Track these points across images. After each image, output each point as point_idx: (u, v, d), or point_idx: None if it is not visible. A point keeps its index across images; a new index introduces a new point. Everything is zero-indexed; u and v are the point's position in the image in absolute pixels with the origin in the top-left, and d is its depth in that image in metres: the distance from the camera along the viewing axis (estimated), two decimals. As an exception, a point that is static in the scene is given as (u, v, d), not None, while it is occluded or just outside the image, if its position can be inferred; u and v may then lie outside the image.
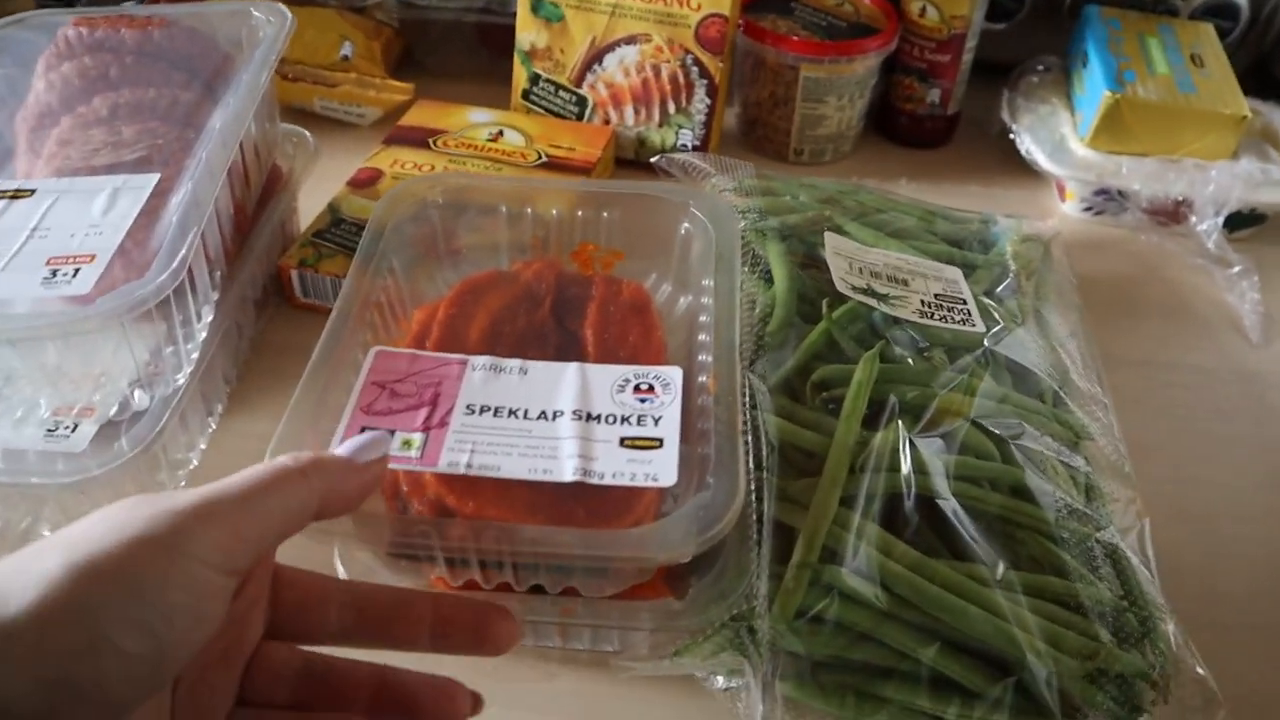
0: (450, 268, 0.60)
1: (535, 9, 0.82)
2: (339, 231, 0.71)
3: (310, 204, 0.75)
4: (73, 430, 0.52)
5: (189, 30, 0.67)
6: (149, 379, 0.53)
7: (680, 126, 0.82)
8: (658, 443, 0.45)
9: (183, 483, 0.59)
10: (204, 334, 0.56)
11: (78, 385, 0.53)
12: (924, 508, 0.51)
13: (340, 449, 0.38)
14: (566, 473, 0.43)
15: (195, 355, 0.55)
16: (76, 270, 0.48)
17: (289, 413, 0.45)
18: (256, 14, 0.69)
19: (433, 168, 0.77)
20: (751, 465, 0.51)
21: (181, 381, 0.54)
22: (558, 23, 0.82)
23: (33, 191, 0.54)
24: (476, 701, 0.39)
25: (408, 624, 0.39)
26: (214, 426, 0.63)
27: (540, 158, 0.78)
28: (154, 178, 0.54)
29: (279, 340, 0.70)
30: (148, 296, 0.46)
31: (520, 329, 0.53)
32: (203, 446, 0.61)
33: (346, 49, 0.87)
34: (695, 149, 0.83)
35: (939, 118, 0.88)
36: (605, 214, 0.59)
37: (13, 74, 0.66)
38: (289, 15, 0.68)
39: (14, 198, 0.53)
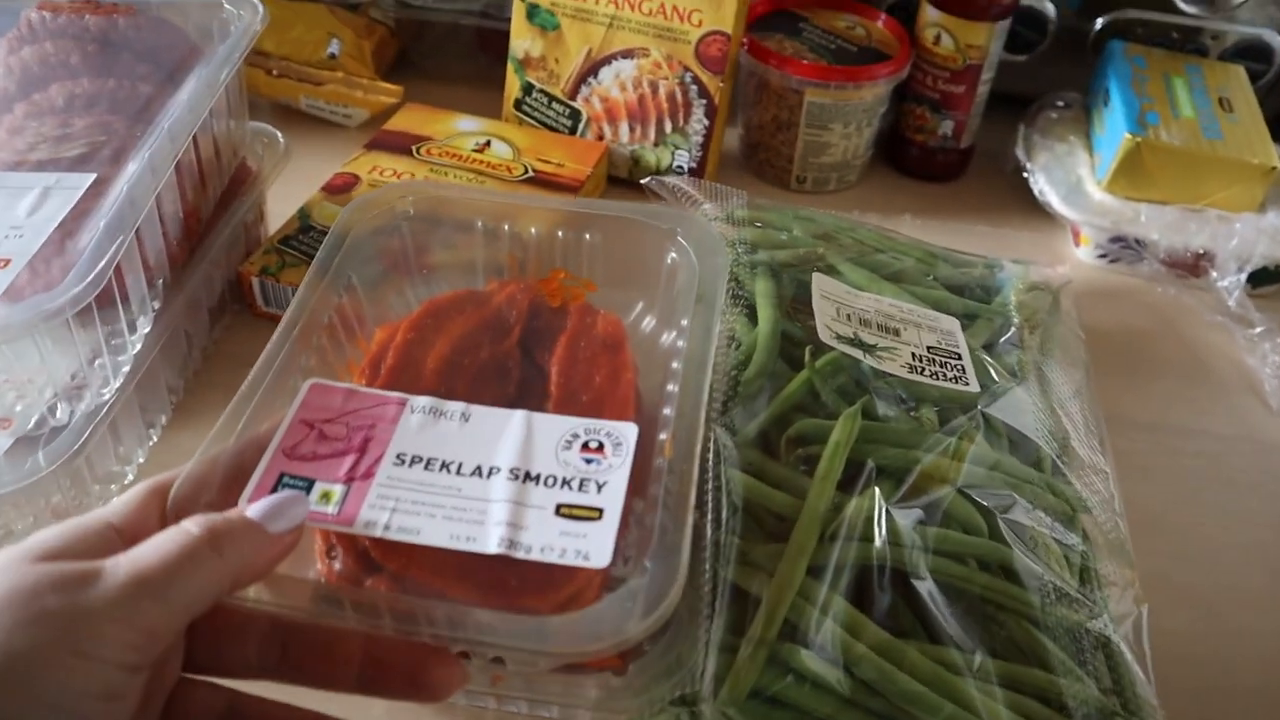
0: (421, 284, 0.56)
1: (530, 15, 0.78)
2: (306, 239, 0.68)
3: (283, 207, 0.71)
4: (-14, 444, 0.49)
5: (156, 20, 0.64)
6: (71, 392, 0.49)
7: (676, 147, 0.78)
8: (597, 513, 0.40)
9: (115, 499, 0.55)
10: (138, 346, 0.52)
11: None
12: (898, 584, 0.47)
13: (251, 511, 0.35)
14: (490, 543, 0.39)
15: (127, 369, 0.52)
16: (-9, 278, 0.44)
17: (207, 441, 0.41)
18: (228, 6, 0.65)
19: (413, 176, 0.73)
20: (710, 526, 0.47)
21: (108, 396, 0.50)
22: (553, 31, 0.78)
23: (-40, 184, 0.50)
24: None
25: (334, 663, 0.36)
26: (155, 439, 0.59)
27: (527, 172, 0.74)
28: (89, 177, 0.50)
29: (235, 350, 0.66)
30: (59, 309, 0.43)
31: (482, 360, 0.49)
32: (141, 460, 0.58)
33: (334, 47, 0.83)
34: (691, 171, 0.79)
35: (951, 151, 0.84)
36: (587, 236, 0.54)
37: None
38: (260, 8, 0.64)
39: (-60, 190, 0.50)
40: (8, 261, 0.45)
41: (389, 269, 0.55)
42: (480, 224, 0.54)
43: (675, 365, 0.46)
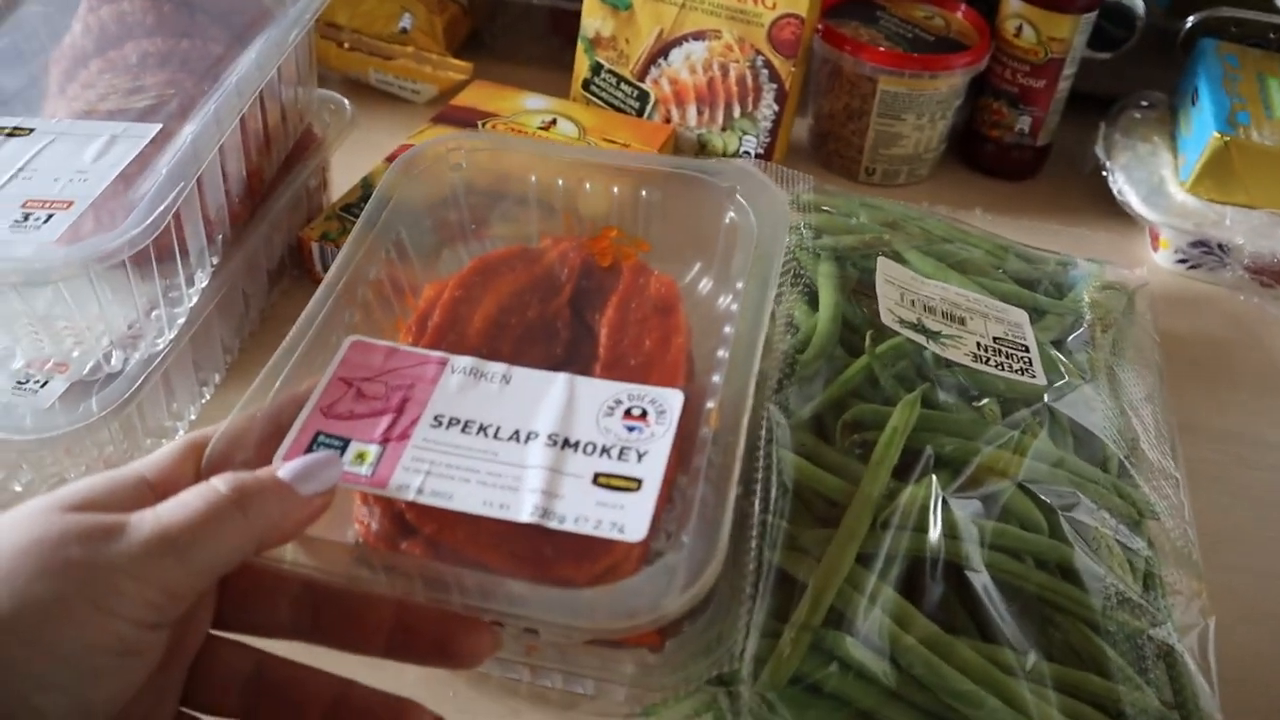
0: (474, 240, 0.55)
1: (604, -6, 0.77)
2: (368, 207, 0.67)
3: (346, 177, 0.72)
4: (42, 385, 0.49)
5: (231, -19, 0.64)
6: (127, 341, 0.50)
7: (744, 132, 0.77)
8: (635, 484, 0.38)
9: (165, 454, 0.56)
10: (195, 299, 0.52)
11: (57, 338, 0.50)
12: (951, 577, 0.45)
13: (283, 471, 0.34)
14: (524, 511, 0.37)
15: (182, 320, 0.52)
16: (49, 216, 0.44)
17: (245, 399, 0.41)
18: (304, -30, 0.66)
19: (476, 150, 0.73)
20: (758, 507, 0.45)
21: (163, 346, 0.50)
22: (625, 11, 0.77)
23: (31, 130, 0.51)
24: None
25: (365, 628, 0.36)
26: (207, 397, 0.59)
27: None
28: (155, 127, 0.50)
29: (292, 314, 0.64)
30: (115, 250, 0.43)
31: (530, 319, 0.47)
32: (192, 416, 0.58)
33: (406, 21, 0.83)
34: (758, 157, 0.77)
35: (1027, 148, 0.81)
36: (643, 193, 0.52)
37: (51, 13, 0.64)
38: (336, -26, 0.64)
39: (11, 135, 0.50)
40: (70, 204, 0.45)
41: (440, 226, 0.54)
42: (534, 179, 0.53)
43: (727, 330, 0.44)
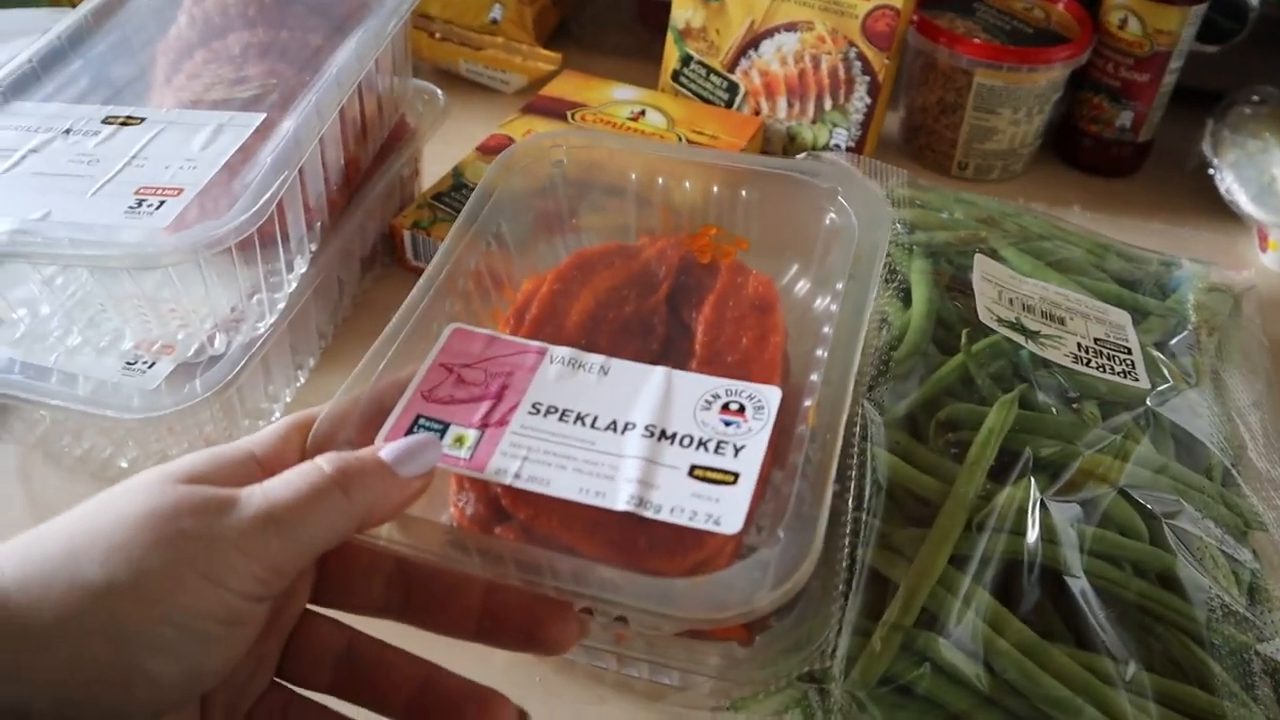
0: (571, 236, 0.55)
1: (696, -15, 0.77)
2: (459, 196, 0.68)
3: (437, 166, 0.72)
4: (150, 366, 0.51)
5: (331, -27, 0.65)
6: (230, 324, 0.51)
7: (835, 125, 0.76)
8: (732, 478, 0.38)
9: (262, 435, 0.57)
10: (294, 285, 0.54)
11: (164, 321, 0.51)
12: (1047, 582, 0.44)
13: (384, 452, 0.35)
14: (619, 499, 0.37)
15: (282, 305, 0.53)
16: (161, 203, 0.45)
17: (350, 380, 0.42)
18: (402, -37, 0.66)
19: (566, 141, 0.73)
20: (851, 504, 0.45)
21: (263, 330, 0.51)
22: (716, 2, 0.77)
23: (142, 120, 0.52)
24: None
25: (455, 611, 0.36)
26: (302, 380, 0.60)
27: (680, 142, 0.73)
28: (259, 117, 0.51)
29: (384, 300, 0.67)
30: (223, 237, 0.44)
31: (627, 315, 0.47)
32: (288, 399, 0.59)
33: (496, 12, 0.84)
34: (849, 150, 0.76)
35: (1127, 144, 0.79)
36: (743, 193, 0.52)
37: (159, 6, 0.66)
38: (433, -33, 0.65)
39: (124, 124, 0.52)
40: (180, 190, 0.46)
41: (538, 219, 0.54)
42: (634, 176, 0.53)
43: (826, 330, 0.44)
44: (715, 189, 0.52)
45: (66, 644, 0.28)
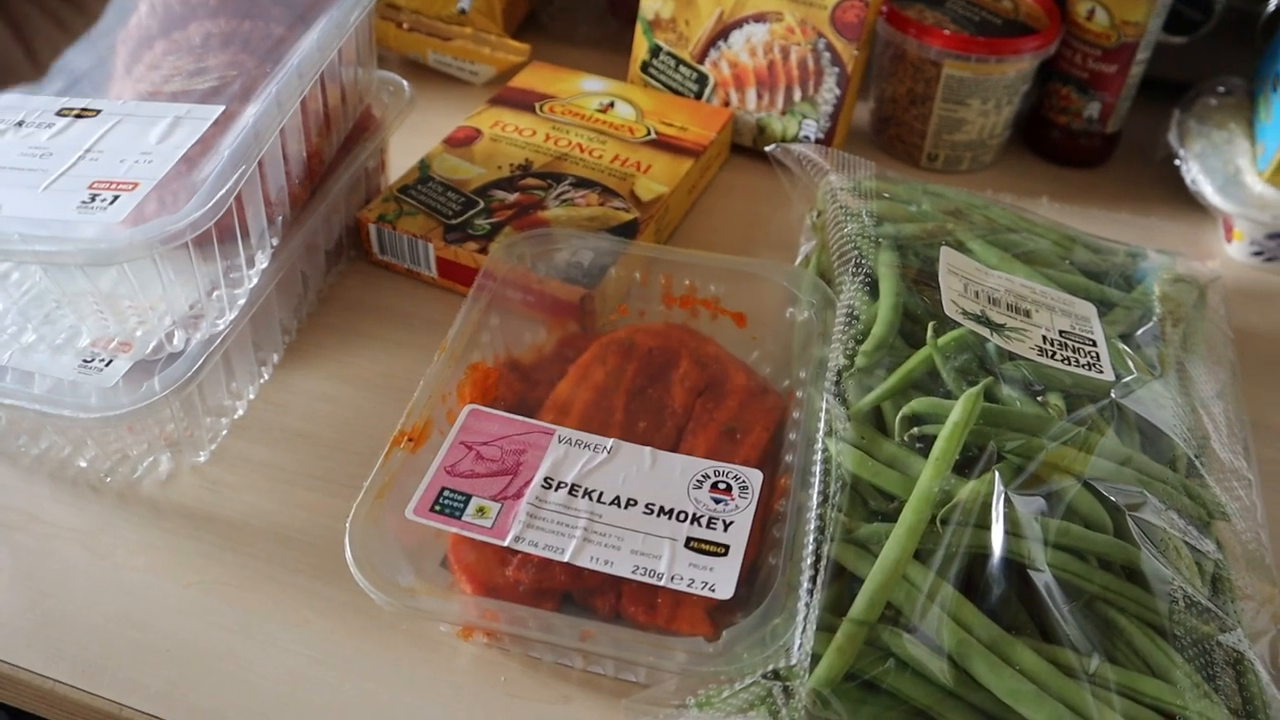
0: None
1: (664, -25, 0.76)
2: (425, 189, 0.68)
3: (404, 158, 0.72)
4: (107, 364, 0.50)
5: (295, -38, 0.64)
6: (189, 321, 0.50)
7: (804, 116, 0.76)
8: (723, 549, 0.45)
9: (225, 431, 0.56)
10: (255, 280, 0.53)
11: (122, 318, 0.50)
12: (1012, 575, 0.44)
13: None
14: (625, 568, 0.44)
15: (243, 301, 0.52)
16: (115, 197, 0.45)
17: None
18: (367, -48, 0.65)
19: (534, 132, 0.72)
20: (815, 499, 0.45)
21: (223, 327, 0.51)
22: (686, -8, 0.76)
23: (98, 112, 0.51)
24: None
25: None
26: (266, 377, 0.60)
27: (649, 134, 0.73)
28: (218, 109, 0.50)
29: (349, 296, 0.66)
30: (179, 232, 0.43)
31: (625, 402, 0.53)
32: (251, 396, 0.58)
33: (464, 2, 0.83)
34: (818, 142, 0.76)
35: (1095, 135, 0.79)
36: (713, 288, 0.60)
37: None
38: (398, -44, 0.64)
39: (79, 116, 0.51)
40: (135, 185, 0.45)
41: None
42: (637, 276, 0.60)
43: (796, 415, 0.51)
44: (686, 282, 0.59)
45: None
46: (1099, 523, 0.46)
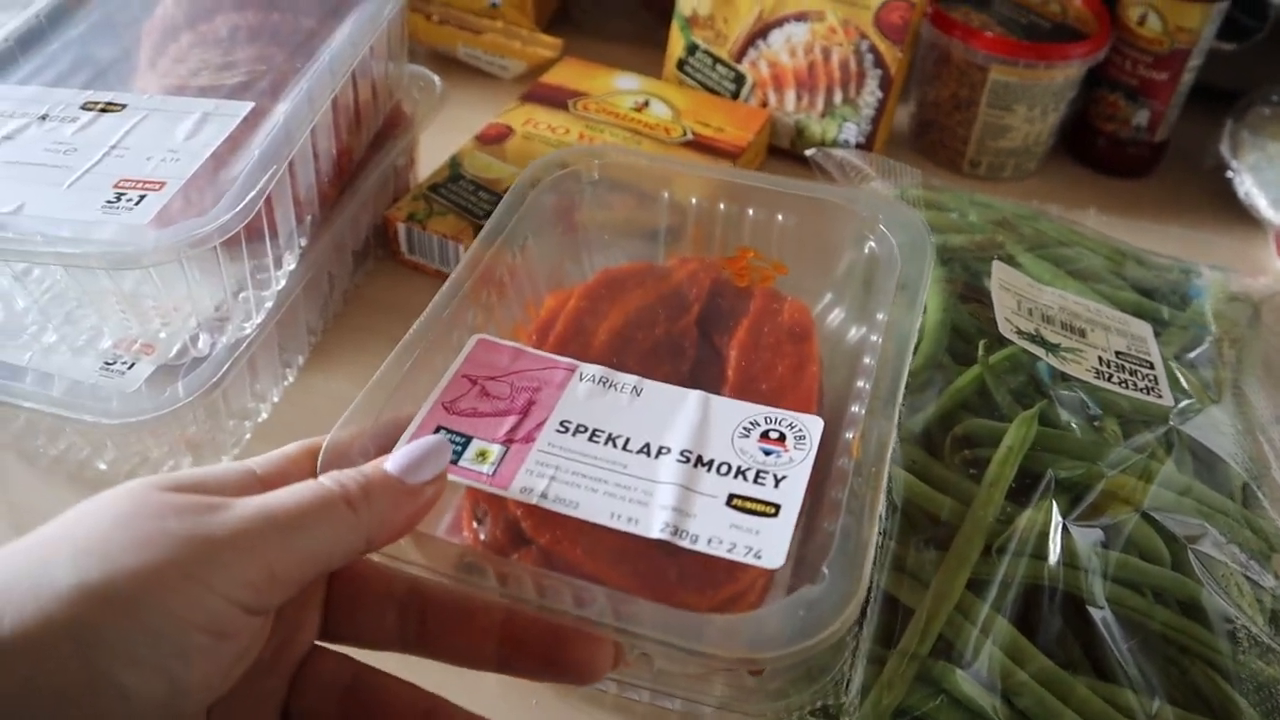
0: (599, 253, 0.53)
1: (703, -28, 0.74)
2: (456, 188, 0.66)
3: (434, 155, 0.70)
4: (130, 367, 0.48)
5: (325, -47, 0.62)
6: (214, 324, 0.48)
7: (845, 119, 0.74)
8: (773, 509, 0.36)
9: (248, 435, 0.55)
10: (283, 282, 0.51)
11: (145, 319, 0.49)
12: (1068, 609, 0.42)
13: (390, 464, 0.33)
14: (653, 526, 0.35)
15: (270, 304, 0.50)
16: (141, 197, 0.43)
17: (366, 391, 0.39)
18: (400, -58, 0.64)
19: (568, 131, 0.70)
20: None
21: (250, 331, 0.49)
22: (725, -11, 0.74)
23: (123, 106, 0.49)
24: None
25: (473, 638, 0.34)
26: (290, 379, 0.58)
27: (685, 134, 0.71)
28: (247, 106, 0.49)
29: (376, 296, 0.65)
30: (207, 236, 0.41)
31: (656, 336, 0.46)
32: (275, 399, 0.57)
33: (497, -5, 0.81)
34: (859, 146, 0.74)
35: (1143, 144, 0.77)
36: (780, 217, 0.50)
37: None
38: (433, -52, 0.62)
39: (104, 110, 0.49)
40: (162, 184, 0.44)
41: (566, 234, 0.52)
42: (667, 196, 0.51)
43: (868, 360, 0.42)
44: (751, 211, 0.50)
45: (27, 656, 0.25)
46: (1157, 555, 0.44)
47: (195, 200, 0.43)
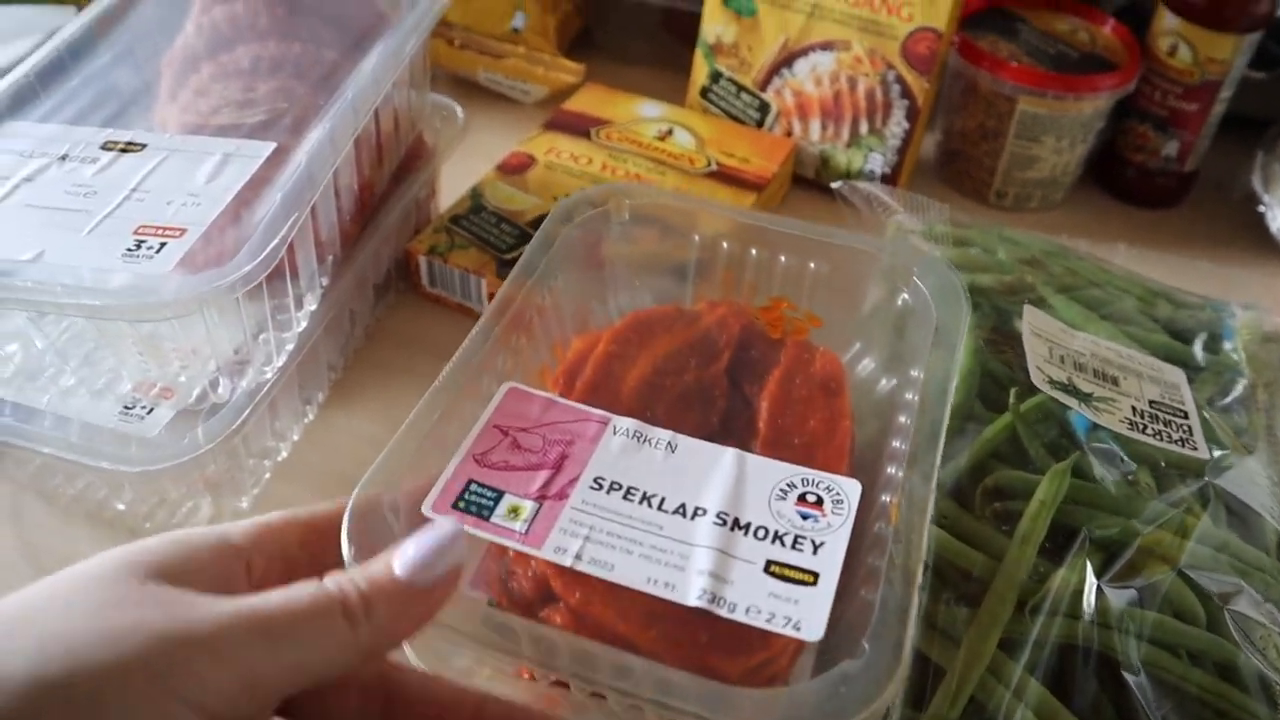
0: (625, 294, 0.53)
1: (727, 0, 0.74)
2: (478, 220, 0.65)
3: (455, 182, 0.69)
4: (149, 412, 0.48)
5: (346, -18, 0.62)
6: (234, 367, 0.48)
7: (871, 149, 0.73)
8: (811, 577, 0.35)
9: (268, 475, 0.54)
10: (304, 323, 0.51)
11: (164, 363, 0.48)
12: (1103, 670, 0.41)
13: (400, 562, 0.30)
14: (690, 593, 0.35)
15: (290, 346, 0.50)
16: (162, 245, 0.42)
17: (395, 440, 0.38)
18: (421, -27, 0.63)
19: (590, 160, 0.70)
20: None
21: (270, 375, 0.49)
22: (749, 17, 0.73)
23: (143, 146, 0.49)
24: None
25: None
26: (311, 417, 0.58)
27: (710, 165, 0.70)
28: (269, 146, 0.48)
29: (398, 329, 0.64)
30: (229, 287, 0.41)
31: (686, 383, 0.45)
32: (296, 437, 0.56)
33: (518, 20, 0.80)
34: (884, 177, 0.73)
35: (1172, 174, 0.76)
36: (812, 265, 0.50)
37: (166, 16, 0.62)
38: (454, -22, 0.62)
39: (124, 150, 0.49)
40: (183, 231, 0.43)
41: (592, 270, 0.52)
42: (697, 239, 0.51)
43: (904, 420, 0.41)
44: (783, 258, 0.49)
45: None
46: (1192, 615, 0.43)
47: (216, 246, 0.43)
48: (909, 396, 0.42)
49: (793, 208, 0.74)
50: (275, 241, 0.43)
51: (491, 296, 0.62)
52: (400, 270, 0.65)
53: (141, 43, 0.60)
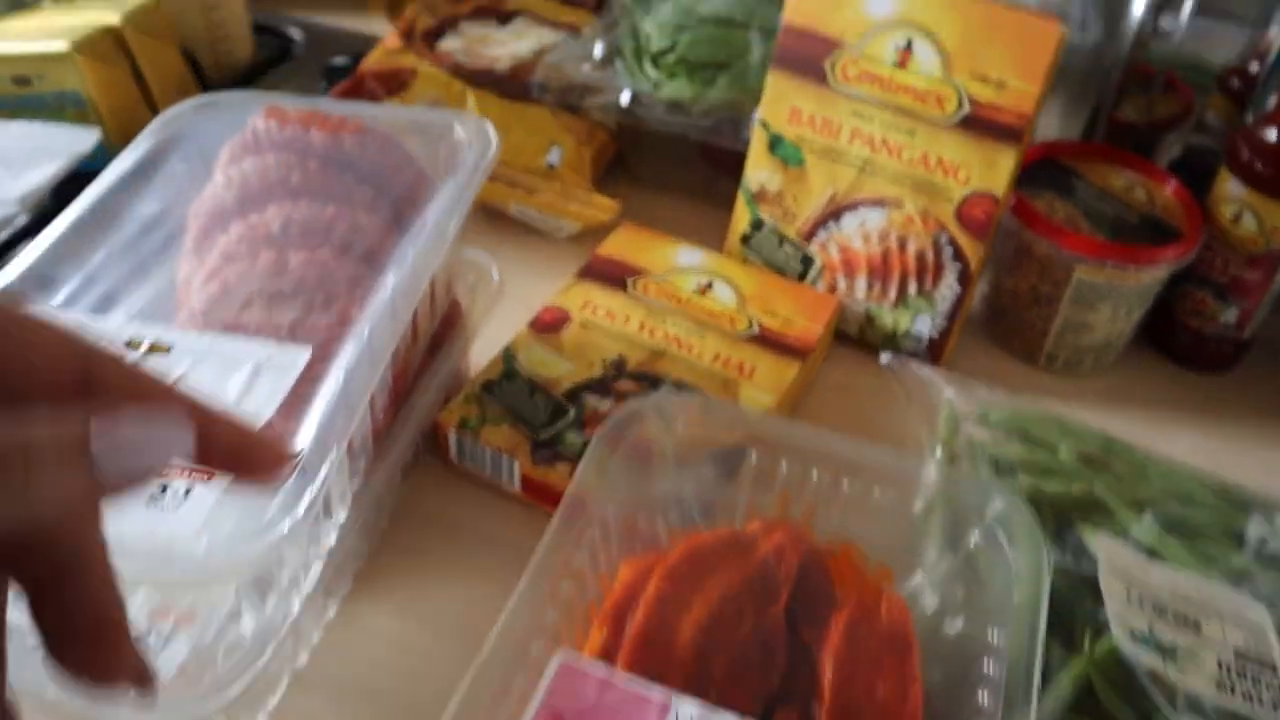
0: (674, 511, 0.50)
1: (773, 147, 0.71)
2: (511, 388, 0.62)
3: (487, 332, 0.65)
4: (165, 644, 0.44)
5: (383, 139, 0.59)
6: (258, 596, 0.45)
7: (919, 311, 0.70)
8: None
9: (284, 687, 0.51)
10: (334, 537, 0.47)
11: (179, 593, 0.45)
12: None
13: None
14: None
15: (319, 565, 0.47)
16: (188, 490, 0.39)
17: None
18: (460, 131, 0.60)
19: (628, 319, 0.67)
20: None
21: (297, 607, 0.45)
22: (796, 167, 0.71)
23: (169, 349, 0.46)
24: None
25: None
26: (332, 613, 0.54)
27: (752, 327, 0.67)
28: (304, 355, 0.45)
29: (425, 509, 0.60)
30: (265, 548, 0.37)
31: (744, 636, 0.42)
32: (315, 639, 0.53)
33: (554, 156, 0.78)
34: (931, 341, 0.70)
35: (1228, 340, 0.73)
36: (877, 492, 0.47)
37: (194, 167, 0.60)
38: (494, 139, 0.59)
39: (150, 351, 0.46)
40: (210, 474, 0.40)
41: (641, 496, 0.49)
42: (754, 456, 0.48)
43: (990, 670, 0.38)
44: (845, 482, 0.46)
45: None
46: None
47: (248, 489, 0.39)
48: (989, 641, 0.39)
49: (836, 368, 0.71)
50: (315, 486, 0.39)
51: (525, 480, 0.59)
52: (428, 442, 0.61)
53: (176, 205, 0.58)
